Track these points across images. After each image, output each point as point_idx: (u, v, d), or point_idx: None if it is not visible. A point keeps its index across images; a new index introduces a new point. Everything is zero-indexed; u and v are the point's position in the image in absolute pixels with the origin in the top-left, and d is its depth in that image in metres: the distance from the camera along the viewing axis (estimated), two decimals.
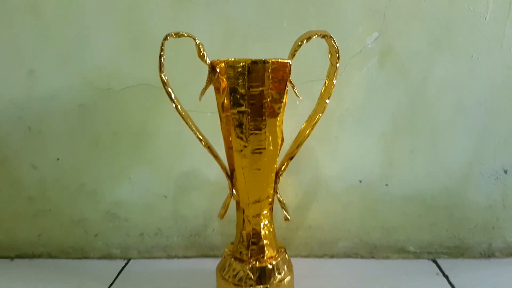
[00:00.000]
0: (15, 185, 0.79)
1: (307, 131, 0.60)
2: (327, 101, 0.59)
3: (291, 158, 0.61)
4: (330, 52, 0.57)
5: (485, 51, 0.68)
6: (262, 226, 0.61)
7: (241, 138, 0.56)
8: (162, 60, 0.55)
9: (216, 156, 0.61)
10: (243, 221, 0.62)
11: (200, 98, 0.57)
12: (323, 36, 0.55)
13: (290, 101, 0.61)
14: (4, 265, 0.81)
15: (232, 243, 0.66)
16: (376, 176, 0.74)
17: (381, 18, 0.67)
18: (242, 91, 0.54)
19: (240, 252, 0.62)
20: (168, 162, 0.76)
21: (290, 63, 0.55)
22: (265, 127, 0.56)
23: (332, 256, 0.78)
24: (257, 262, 0.61)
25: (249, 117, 0.55)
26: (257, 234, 0.61)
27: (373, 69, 0.69)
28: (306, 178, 0.75)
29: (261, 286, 0.59)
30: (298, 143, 0.61)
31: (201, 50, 0.55)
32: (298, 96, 0.58)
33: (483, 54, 0.68)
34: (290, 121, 0.66)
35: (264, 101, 0.54)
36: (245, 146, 0.56)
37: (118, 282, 0.73)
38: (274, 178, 0.60)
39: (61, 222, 0.80)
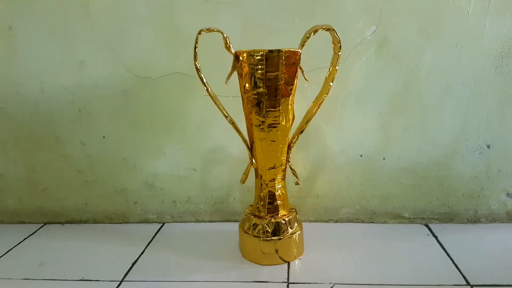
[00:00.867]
0: (66, 160, 0.92)
1: (314, 110, 0.72)
2: (331, 84, 0.70)
3: (301, 132, 0.73)
4: (333, 43, 0.69)
5: (468, 41, 0.78)
6: (276, 189, 0.73)
7: (260, 115, 0.68)
8: (196, 50, 0.67)
9: (238, 131, 0.73)
10: (261, 185, 0.74)
11: (226, 82, 0.69)
12: (327, 29, 0.67)
13: (300, 86, 0.73)
14: (56, 229, 0.94)
15: (251, 205, 0.79)
16: (375, 151, 0.85)
17: (378, 13, 0.78)
18: (261, 75, 0.66)
19: (259, 210, 0.74)
20: (197, 140, 0.88)
21: (300, 52, 0.67)
22: (279, 105, 0.68)
23: (336, 221, 0.89)
24: (273, 218, 0.73)
25: (266, 97, 0.67)
26: (272, 195, 0.73)
27: (372, 57, 0.80)
28: (314, 153, 0.86)
29: (276, 237, 0.72)
30: (306, 119, 0.72)
31: (228, 42, 0.67)
32: (307, 80, 0.70)
33: (466, 43, 0.78)
34: (300, 103, 0.77)
35: (278, 83, 0.66)
36: (263, 122, 0.69)
37: (154, 242, 0.85)
38: (286, 149, 0.72)
39: (105, 192, 0.93)
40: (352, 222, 0.89)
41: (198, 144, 0.88)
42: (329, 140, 0.85)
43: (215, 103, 0.70)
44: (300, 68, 0.68)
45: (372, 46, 0.79)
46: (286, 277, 0.69)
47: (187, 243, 0.84)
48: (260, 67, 0.65)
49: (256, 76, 0.66)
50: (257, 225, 0.73)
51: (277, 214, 0.74)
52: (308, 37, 0.66)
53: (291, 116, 0.70)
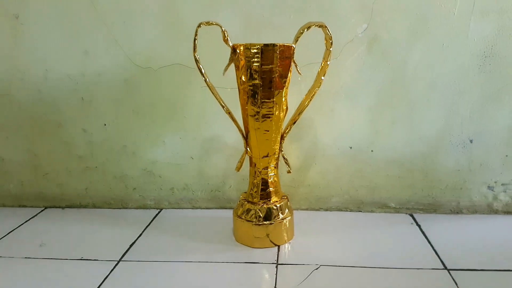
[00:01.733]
0: (67, 146, 0.96)
1: (306, 102, 0.76)
2: (323, 78, 0.74)
3: (294, 123, 0.77)
4: (325, 39, 0.73)
5: (453, 40, 0.82)
6: (269, 176, 0.77)
7: (255, 105, 0.72)
8: (195, 42, 0.71)
9: (234, 120, 0.77)
10: (255, 172, 0.78)
11: (224, 73, 0.73)
12: (320, 26, 0.71)
13: (294, 80, 0.76)
14: (56, 213, 0.98)
15: (245, 193, 0.83)
16: (364, 143, 0.89)
17: (370, 12, 0.82)
18: (256, 68, 0.70)
19: (252, 196, 0.78)
20: (195, 129, 0.92)
21: (294, 47, 0.71)
22: (274, 97, 0.72)
23: (326, 209, 0.94)
24: (265, 204, 0.77)
25: (261, 88, 0.71)
26: (265, 182, 0.78)
27: (363, 54, 0.84)
28: (306, 144, 0.91)
29: (267, 222, 0.76)
30: (299, 111, 0.76)
31: (226, 35, 0.71)
32: (300, 73, 0.74)
33: (452, 43, 0.82)
34: (294, 96, 0.80)
35: (273, 76, 0.70)
36: (257, 112, 0.73)
37: (152, 227, 0.89)
38: (280, 138, 0.77)
39: (105, 178, 0.97)
40: (341, 210, 0.93)
41: (196, 133, 0.92)
42: (320, 132, 0.89)
43: (213, 93, 0.74)
44: (294, 62, 0.72)
45: (363, 43, 0.84)
46: (276, 258, 0.74)
47: (183, 228, 0.87)
48: (256, 60, 0.69)
49: (252, 68, 0.70)
50: (250, 210, 0.77)
51: (269, 200, 0.78)
52: (302, 33, 0.70)
53: (284, 108, 0.74)
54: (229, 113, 0.76)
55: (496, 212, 0.90)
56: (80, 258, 0.76)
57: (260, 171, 0.77)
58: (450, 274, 0.68)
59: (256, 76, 0.70)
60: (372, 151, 0.89)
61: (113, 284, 0.68)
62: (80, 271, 0.72)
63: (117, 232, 0.86)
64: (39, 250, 0.80)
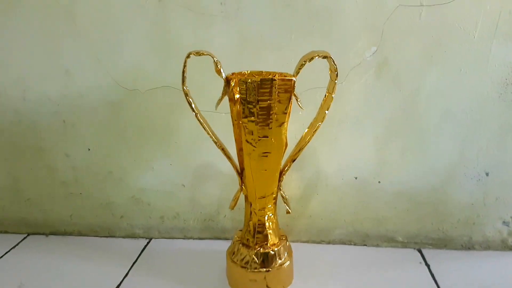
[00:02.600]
0: (50, 171, 0.89)
1: (308, 137, 0.69)
2: (326, 112, 0.67)
3: (293, 161, 0.70)
4: (330, 69, 0.65)
5: (472, 66, 0.74)
6: (266, 218, 0.71)
7: (251, 143, 0.65)
8: (184, 74, 0.63)
9: (229, 158, 0.70)
10: (250, 213, 0.71)
11: (216, 108, 0.65)
12: (324, 57, 0.63)
13: (294, 107, 0.69)
14: (40, 241, 0.92)
15: (241, 230, 0.76)
16: (370, 174, 0.82)
17: (380, 33, 0.74)
18: (253, 103, 0.62)
19: (247, 239, 0.72)
20: (187, 155, 0.85)
21: (295, 80, 0.63)
22: (272, 134, 0.64)
23: (328, 242, 0.87)
24: (261, 248, 0.71)
25: (258, 126, 0.63)
26: (262, 225, 0.71)
27: (371, 79, 0.76)
28: (308, 173, 0.84)
29: (264, 269, 0.70)
30: (299, 147, 0.69)
31: (218, 66, 0.63)
32: (302, 108, 0.66)
33: (470, 68, 0.74)
34: (294, 124, 0.73)
35: (271, 112, 0.63)
36: (253, 150, 0.65)
37: (140, 261, 0.83)
38: (278, 177, 0.69)
39: (90, 205, 0.90)
40: (345, 244, 0.87)
41: (188, 160, 0.85)
42: (323, 161, 0.82)
43: (204, 129, 0.67)
44: (295, 96, 0.65)
45: (371, 67, 0.76)
46: None
47: (174, 264, 0.81)
48: (252, 95, 0.61)
49: (248, 104, 0.62)
50: (245, 255, 0.70)
51: (266, 244, 0.71)
52: (303, 65, 0.62)
53: (283, 145, 0.67)
54: (223, 149, 0.69)
55: (510, 248, 0.83)
56: None
57: (256, 212, 0.70)
58: None
59: (252, 112, 0.63)
60: (379, 182, 0.82)
61: None
62: None
63: (103, 268, 0.80)
64: None
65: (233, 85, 0.63)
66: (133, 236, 0.92)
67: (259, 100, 0.62)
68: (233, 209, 0.73)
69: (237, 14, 0.75)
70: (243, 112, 0.63)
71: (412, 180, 0.82)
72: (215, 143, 0.68)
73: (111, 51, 0.79)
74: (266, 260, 0.70)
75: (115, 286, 0.75)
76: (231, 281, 0.73)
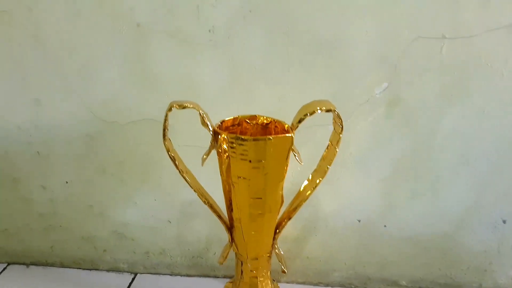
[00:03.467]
0: (26, 202, 0.81)
1: (308, 192, 0.61)
2: (328, 166, 0.58)
3: (290, 219, 0.62)
4: (334, 120, 0.56)
5: (498, 107, 0.64)
6: (259, 280, 0.64)
7: (242, 204, 0.57)
8: (166, 130, 0.55)
9: (219, 216, 0.62)
10: (241, 272, 0.64)
11: (202, 163, 0.56)
12: (328, 111, 0.53)
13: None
14: (21, 271, 0.86)
15: (231, 282, 0.70)
16: (375, 217, 0.74)
17: (393, 68, 0.64)
18: (244, 162, 0.54)
19: None
20: (172, 190, 0.77)
21: (293, 136, 0.54)
22: (266, 195, 0.56)
23: (327, 285, 0.81)
24: None
25: (250, 186, 0.55)
26: (254, 285, 0.64)
27: (380, 118, 0.67)
28: (305, 213, 0.76)
29: None
30: (296, 204, 0.61)
31: (204, 119, 0.54)
32: (301, 163, 0.57)
33: (496, 109, 0.65)
34: (292, 164, 0.65)
35: (265, 172, 0.54)
36: (245, 212, 0.57)
37: None
38: (272, 236, 0.62)
39: (71, 237, 0.83)
40: (345, 286, 0.81)
41: (173, 195, 0.77)
42: (324, 202, 0.75)
43: (190, 186, 0.59)
44: (293, 150, 0.56)
45: (381, 105, 0.66)
46: None
47: None
48: (243, 153, 0.53)
49: (239, 162, 0.54)
50: None
51: None
52: (303, 119, 0.53)
53: (279, 203, 0.59)
54: (211, 206, 0.61)
55: None
56: None
57: (247, 273, 0.63)
58: None
59: (243, 171, 0.54)
60: (385, 226, 0.75)
61: None
62: None
63: None
64: None
65: (221, 140, 0.55)
66: (117, 269, 0.85)
67: (250, 160, 0.53)
68: (222, 264, 0.66)
69: (227, 43, 0.65)
70: (233, 170, 0.55)
71: (420, 226, 0.74)
72: (205, 203, 0.60)
73: (85, 80, 0.70)
74: None
75: None
76: None
